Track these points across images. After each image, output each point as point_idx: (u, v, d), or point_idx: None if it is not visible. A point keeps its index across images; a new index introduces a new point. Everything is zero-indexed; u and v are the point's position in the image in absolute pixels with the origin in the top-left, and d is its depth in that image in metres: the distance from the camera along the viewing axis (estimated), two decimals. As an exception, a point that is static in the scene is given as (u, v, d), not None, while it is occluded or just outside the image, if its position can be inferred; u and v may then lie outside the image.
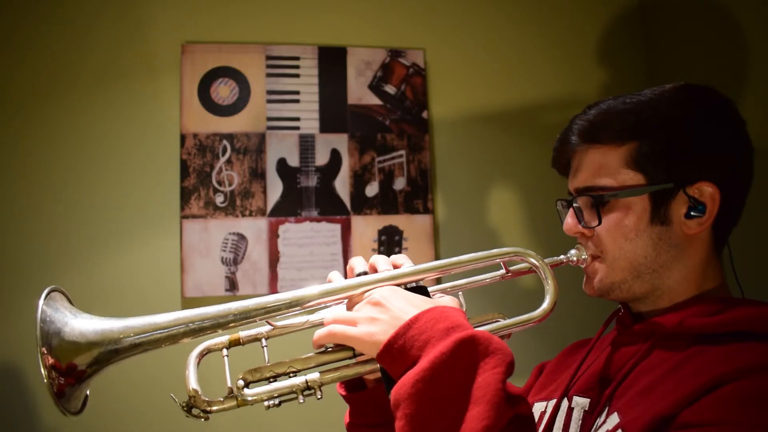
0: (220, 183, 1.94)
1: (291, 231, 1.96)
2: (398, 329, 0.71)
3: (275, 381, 0.79)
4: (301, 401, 0.77)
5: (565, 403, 0.89)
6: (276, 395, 0.77)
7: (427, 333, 0.70)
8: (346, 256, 1.97)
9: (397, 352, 0.71)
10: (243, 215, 1.94)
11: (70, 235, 1.85)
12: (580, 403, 0.86)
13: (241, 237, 1.93)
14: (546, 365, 1.08)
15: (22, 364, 1.76)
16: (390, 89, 2.08)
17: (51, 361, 0.71)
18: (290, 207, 1.97)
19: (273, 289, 1.91)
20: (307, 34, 2.06)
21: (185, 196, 1.91)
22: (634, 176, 0.84)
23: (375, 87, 2.07)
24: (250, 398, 0.77)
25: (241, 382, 0.78)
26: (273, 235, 1.95)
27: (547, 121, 2.17)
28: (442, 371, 0.67)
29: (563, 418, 0.87)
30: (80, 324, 0.75)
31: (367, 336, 0.74)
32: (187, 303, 1.87)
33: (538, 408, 0.95)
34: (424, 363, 0.67)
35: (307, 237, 1.96)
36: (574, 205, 0.89)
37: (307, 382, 0.77)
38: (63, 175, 1.87)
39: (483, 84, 2.15)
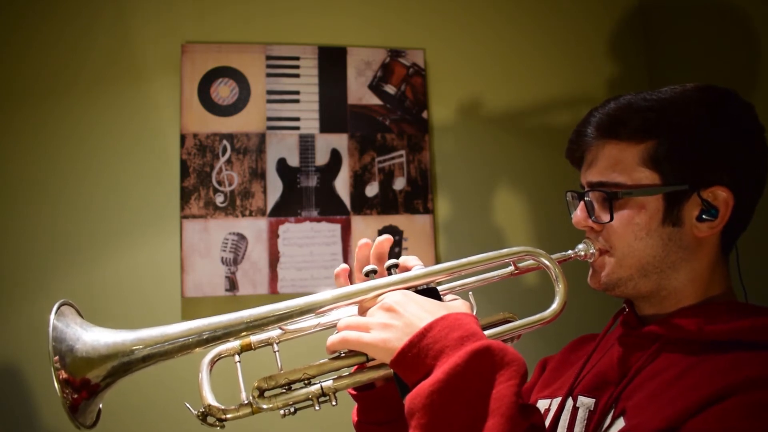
0: (220, 183, 1.94)
1: (291, 231, 1.96)
2: (412, 337, 0.72)
3: (290, 388, 0.80)
4: (317, 408, 0.78)
5: (569, 402, 0.89)
6: (291, 403, 0.78)
7: (442, 342, 0.70)
8: (346, 256, 1.97)
9: (412, 360, 0.71)
10: (243, 215, 1.94)
11: (70, 235, 1.85)
12: (585, 403, 0.86)
13: (241, 237, 1.93)
14: (549, 360, 1.08)
15: (22, 364, 1.75)
16: (390, 89, 2.08)
17: (65, 376, 0.71)
18: (290, 207, 1.97)
19: (273, 289, 1.91)
20: (307, 34, 2.05)
21: (185, 196, 1.91)
22: (650, 175, 0.83)
23: (375, 87, 2.07)
24: (265, 406, 0.77)
25: (256, 391, 0.78)
26: (273, 235, 1.94)
27: (547, 121, 2.17)
28: (456, 382, 0.67)
29: (568, 418, 0.87)
30: (92, 338, 0.75)
31: (381, 343, 0.74)
32: (187, 303, 1.87)
33: (541, 405, 0.95)
34: (438, 374, 0.68)
35: (307, 237, 1.96)
36: (586, 198, 0.89)
37: (322, 389, 0.78)
38: (63, 175, 1.87)
39: (483, 84, 2.15)
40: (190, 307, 1.88)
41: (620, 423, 0.76)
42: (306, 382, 0.80)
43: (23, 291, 1.79)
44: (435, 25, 2.14)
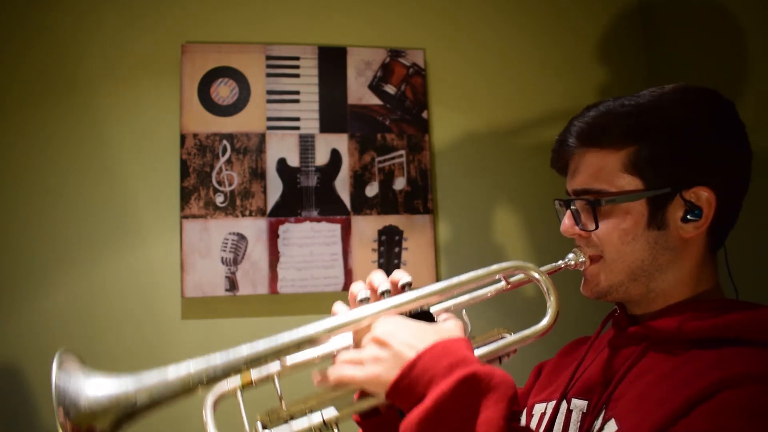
0: (220, 183, 1.94)
1: (291, 231, 1.96)
2: (403, 369, 0.72)
3: (293, 420, 0.80)
4: None
5: (564, 405, 0.89)
6: None
7: (431, 371, 0.71)
8: (346, 256, 1.97)
9: (404, 390, 0.72)
10: (243, 215, 1.94)
11: (71, 234, 1.85)
12: (579, 405, 0.86)
13: (241, 237, 1.93)
14: (545, 365, 1.08)
15: (22, 364, 1.76)
16: (390, 89, 2.08)
17: (70, 429, 0.71)
18: (290, 207, 1.97)
19: (273, 289, 1.91)
20: (307, 34, 2.05)
21: (185, 196, 1.91)
22: (632, 181, 0.83)
23: (375, 87, 2.07)
24: None
25: (259, 425, 0.79)
26: (273, 235, 1.95)
27: (547, 121, 2.17)
28: (445, 409, 0.68)
29: (562, 420, 0.87)
30: (93, 390, 0.74)
31: (374, 378, 0.75)
32: (187, 303, 1.88)
33: (538, 409, 0.96)
34: (427, 402, 0.68)
35: (307, 237, 1.96)
36: (572, 207, 0.89)
37: (324, 421, 0.79)
38: (63, 175, 1.87)
39: (483, 84, 2.15)
40: (190, 307, 1.88)
41: (611, 425, 0.76)
42: (308, 414, 0.80)
43: (23, 291, 1.80)
44: (435, 25, 2.14)
